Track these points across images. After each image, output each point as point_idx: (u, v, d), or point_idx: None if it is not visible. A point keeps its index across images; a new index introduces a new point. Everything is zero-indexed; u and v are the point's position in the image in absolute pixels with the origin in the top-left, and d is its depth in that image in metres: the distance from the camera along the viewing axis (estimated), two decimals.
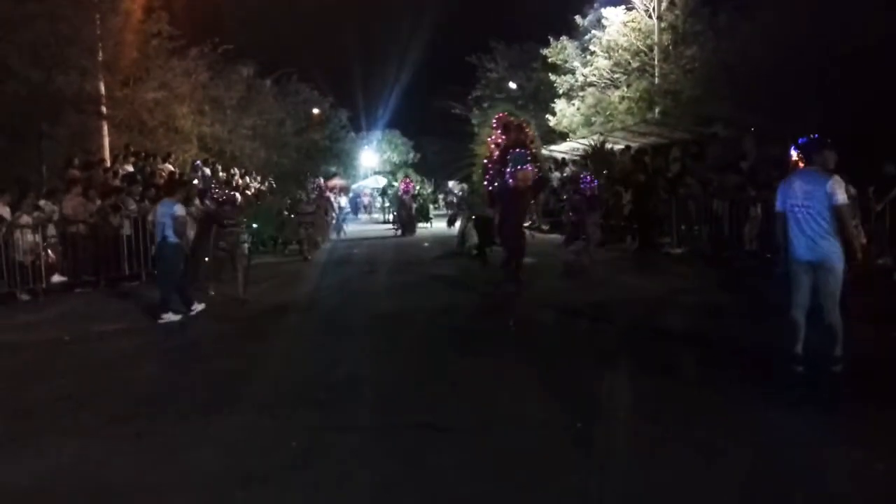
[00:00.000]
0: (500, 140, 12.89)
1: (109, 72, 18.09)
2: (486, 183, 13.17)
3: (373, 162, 49.61)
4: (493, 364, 6.75)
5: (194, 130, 21.38)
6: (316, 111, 33.75)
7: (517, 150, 11.90)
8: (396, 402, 5.69)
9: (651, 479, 4.12)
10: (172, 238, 9.21)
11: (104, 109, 18.23)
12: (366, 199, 38.11)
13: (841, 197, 5.68)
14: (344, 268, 14.94)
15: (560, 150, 22.43)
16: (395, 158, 47.00)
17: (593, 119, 21.54)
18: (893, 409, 5.21)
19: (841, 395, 5.50)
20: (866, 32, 13.83)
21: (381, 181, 37.42)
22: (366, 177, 45.42)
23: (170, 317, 9.22)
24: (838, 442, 4.60)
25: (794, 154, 6.40)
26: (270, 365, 7.02)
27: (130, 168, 15.77)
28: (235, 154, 23.44)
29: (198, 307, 9.57)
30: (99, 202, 12.96)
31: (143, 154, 18.00)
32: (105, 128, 18.55)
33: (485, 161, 13.23)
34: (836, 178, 5.74)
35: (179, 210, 9.37)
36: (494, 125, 12.77)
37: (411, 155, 47.41)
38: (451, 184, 29.02)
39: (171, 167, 16.36)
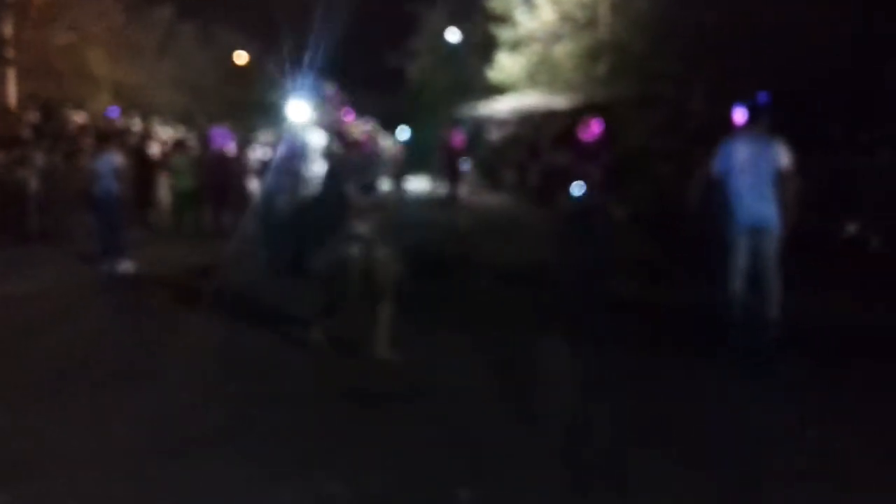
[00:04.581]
0: None
1: (17, 12, 16.66)
2: None
3: (303, 116, 47.80)
4: (432, 331, 6.58)
5: (109, 78, 19.95)
6: (242, 60, 32.04)
7: None
8: (325, 371, 5.49)
9: (596, 450, 4.06)
10: (116, 189, 9.36)
11: (10, 53, 16.82)
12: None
13: (786, 161, 5.77)
14: None
15: (502, 107, 21.84)
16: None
17: (537, 75, 20.89)
18: (830, 372, 5.37)
19: (781, 359, 5.62)
20: None
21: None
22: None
23: (127, 266, 9.29)
24: (779, 408, 4.75)
25: (737, 114, 6.15)
26: (193, 332, 6.76)
27: (37, 118, 14.49)
28: (153, 104, 22.06)
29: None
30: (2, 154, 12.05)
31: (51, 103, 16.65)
32: (10, 74, 17.10)
33: None
34: (781, 142, 5.82)
35: (119, 160, 9.58)
36: None
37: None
38: None
39: (81, 117, 15.06)
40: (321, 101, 10.83)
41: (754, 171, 5.79)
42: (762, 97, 6.46)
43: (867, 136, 11.58)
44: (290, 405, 4.78)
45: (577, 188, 10.59)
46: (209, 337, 6.56)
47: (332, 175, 6.07)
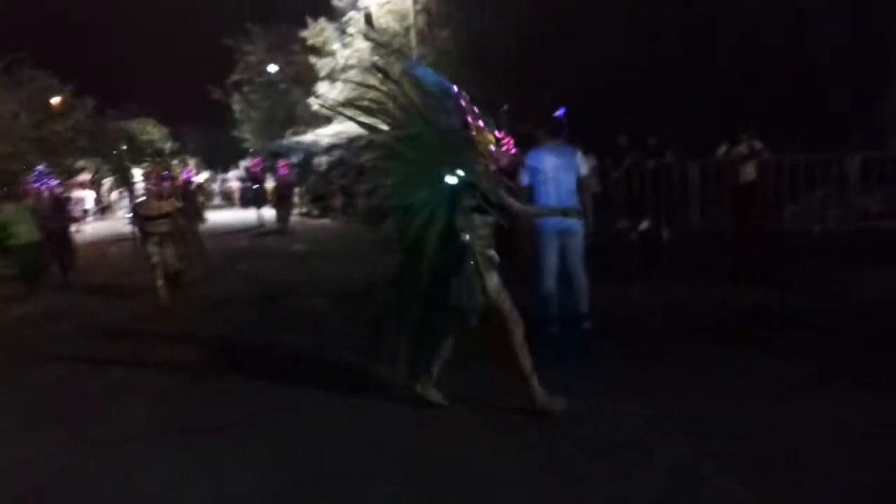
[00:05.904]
0: None
1: None
2: None
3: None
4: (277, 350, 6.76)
5: None
6: (56, 100, 30.88)
7: None
8: (167, 404, 5.51)
9: (440, 453, 4.33)
10: None
11: None
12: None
13: (585, 168, 6.36)
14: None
15: (327, 133, 22.42)
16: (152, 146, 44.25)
17: (358, 101, 21.65)
18: (639, 358, 5.83)
19: (594, 349, 6.08)
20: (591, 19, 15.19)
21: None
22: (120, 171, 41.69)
23: None
24: (595, 390, 5.08)
25: (543, 129, 6.66)
26: (29, 378, 6.52)
27: None
28: None
29: None
30: None
31: None
32: None
33: None
34: (580, 151, 6.37)
35: None
36: None
37: (169, 144, 44.97)
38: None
39: None
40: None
41: (558, 178, 6.20)
42: (560, 113, 7.12)
43: (654, 141, 12.98)
44: (129, 444, 4.72)
45: None
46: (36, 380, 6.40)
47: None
